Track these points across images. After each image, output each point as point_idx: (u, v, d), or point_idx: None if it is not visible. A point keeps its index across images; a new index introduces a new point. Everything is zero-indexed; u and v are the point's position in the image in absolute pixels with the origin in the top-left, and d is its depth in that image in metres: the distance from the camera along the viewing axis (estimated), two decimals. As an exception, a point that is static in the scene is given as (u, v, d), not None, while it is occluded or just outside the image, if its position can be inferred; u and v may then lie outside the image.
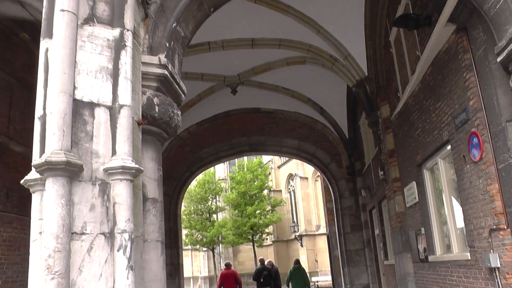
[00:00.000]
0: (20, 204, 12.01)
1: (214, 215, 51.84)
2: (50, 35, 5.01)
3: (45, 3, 5.28)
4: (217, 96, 17.58)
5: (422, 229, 10.04)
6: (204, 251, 53.09)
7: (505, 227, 6.34)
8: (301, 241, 47.32)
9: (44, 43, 5.05)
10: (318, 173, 27.96)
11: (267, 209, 47.60)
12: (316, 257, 47.10)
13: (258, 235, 47.01)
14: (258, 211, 46.02)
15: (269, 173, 53.57)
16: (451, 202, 8.76)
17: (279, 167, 56.28)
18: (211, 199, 50.71)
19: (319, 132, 19.52)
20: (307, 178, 50.09)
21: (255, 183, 46.56)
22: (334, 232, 20.15)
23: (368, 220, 17.68)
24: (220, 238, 48.20)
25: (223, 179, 55.84)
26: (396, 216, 11.81)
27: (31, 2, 6.71)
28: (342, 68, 13.15)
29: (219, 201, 52.30)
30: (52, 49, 4.80)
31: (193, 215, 48.65)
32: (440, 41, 7.76)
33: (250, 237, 46.32)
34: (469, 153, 7.17)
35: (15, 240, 11.71)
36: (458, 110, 7.45)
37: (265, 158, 51.31)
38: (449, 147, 8.22)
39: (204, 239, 47.65)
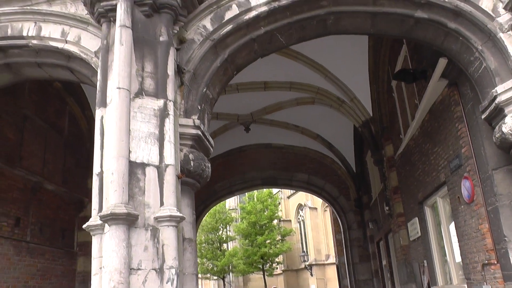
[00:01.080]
0: (52, 238, 13.05)
1: (225, 245, 52.58)
2: (104, 104, 6.08)
3: (99, 77, 6.37)
4: (231, 133, 18.60)
5: (425, 261, 10.92)
6: (214, 279, 53.71)
7: (495, 262, 7.23)
8: (311, 270, 47.91)
9: (99, 112, 6.13)
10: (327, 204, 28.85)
11: (277, 238, 48.36)
12: (326, 287, 47.58)
13: (268, 264, 47.70)
14: (268, 241, 46.77)
15: (279, 203, 54.40)
16: (450, 237, 9.67)
17: (288, 197, 57.16)
18: (221, 229, 51.52)
19: (328, 167, 20.49)
20: (316, 208, 50.89)
21: (265, 213, 47.42)
22: (343, 263, 20.99)
23: (375, 251, 18.51)
24: (230, 267, 48.90)
25: (233, 209, 56.75)
26: (401, 249, 12.69)
27: (80, 69, 7.76)
28: (348, 109, 14.18)
29: (229, 230, 53.13)
30: (107, 118, 5.85)
31: (204, 244, 49.43)
32: (435, 93, 8.78)
33: (260, 266, 47.00)
34: (462, 195, 8.11)
35: (47, 270, 12.72)
36: (453, 155, 8.42)
37: (275, 189, 52.18)
38: (446, 188, 9.16)
39: (215, 268, 48.36)
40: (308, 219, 51.41)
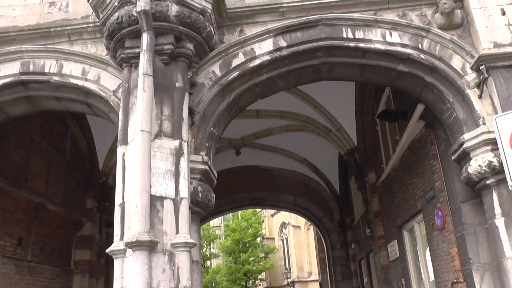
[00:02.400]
0: (51, 256, 13.66)
1: (208, 262, 53.09)
2: (125, 142, 7.01)
3: (120, 117, 7.29)
4: (222, 155, 19.40)
5: (403, 280, 11.95)
6: (198, 296, 53.99)
7: (462, 281, 8.30)
8: (293, 287, 48.62)
9: (121, 149, 7.07)
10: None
11: (261, 256, 49.04)
12: (308, 303, 48.36)
13: (251, 281, 48.28)
14: (251, 258, 47.43)
15: (263, 221, 55.13)
16: (425, 258, 10.77)
17: (272, 215, 57.90)
18: (205, 246, 52.06)
19: (314, 189, 21.45)
20: (299, 227, 51.79)
21: (249, 231, 48.15)
22: (326, 280, 21.93)
23: (357, 270, 19.50)
24: (214, 284, 49.41)
25: (217, 226, 57.37)
26: (381, 268, 13.73)
27: (98, 105, 8.67)
28: (335, 138, 15.20)
29: (213, 247, 53.72)
30: (129, 155, 6.80)
31: (187, 261, 49.71)
32: (414, 132, 9.82)
33: (243, 283, 47.57)
34: (436, 222, 9.17)
35: (46, 288, 13.36)
36: (428, 187, 9.47)
37: (259, 207, 52.97)
38: (422, 215, 10.23)
39: (199, 285, 48.70)
40: (291, 237, 52.29)
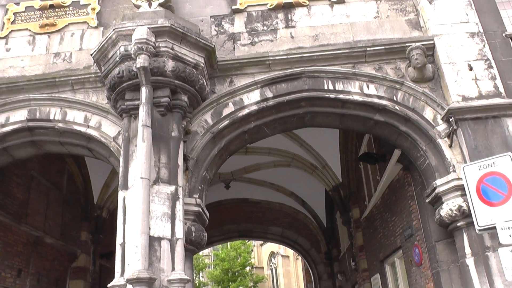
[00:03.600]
0: (48, 287, 14.21)
1: (198, 291, 53.24)
2: (126, 187, 7.68)
3: (121, 164, 7.97)
4: (211, 189, 19.88)
5: (385, 311, 12.58)
6: (187, 326, 53.93)
7: (436, 313, 8.95)
8: (282, 317, 48.94)
9: (121, 193, 7.74)
10: (299, 254, 30.33)
11: (250, 285, 49.28)
12: (296, 333, 48.56)
13: (241, 310, 48.53)
14: (240, 287, 47.71)
15: (252, 251, 55.49)
16: (404, 291, 11.39)
17: (261, 245, 58.31)
18: (195, 275, 52.23)
19: (301, 221, 22.08)
20: (288, 257, 52.29)
21: (238, 260, 48.47)
22: (314, 310, 22.44)
23: (344, 301, 20.03)
24: (203, 313, 49.60)
25: (207, 255, 57.55)
26: (366, 300, 14.33)
27: (98, 150, 9.36)
28: (320, 174, 15.92)
29: (202, 277, 53.91)
30: (129, 199, 7.45)
31: (176, 291, 49.85)
32: (392, 173, 10.57)
33: (233, 312, 47.80)
34: (414, 258, 9.84)
35: (44, 320, 13.87)
36: (406, 226, 10.18)
37: (248, 236, 53.32)
38: (401, 251, 10.88)
39: (188, 315, 48.79)
40: (280, 266, 52.75)
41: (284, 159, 16.90)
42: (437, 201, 8.41)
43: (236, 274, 48.41)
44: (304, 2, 10.00)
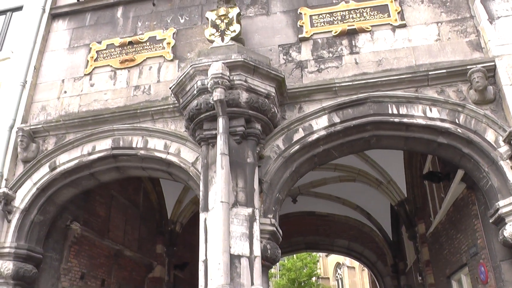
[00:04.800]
0: (127, 297, 15.31)
1: (264, 301, 53.78)
2: (206, 209, 8.41)
3: (201, 188, 8.71)
4: (279, 203, 20.72)
5: (454, 327, 12.78)
6: (254, 336, 54.65)
7: (503, 329, 9.18)
8: (349, 327, 48.92)
9: (203, 215, 8.45)
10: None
11: (316, 295, 49.69)
12: None
13: (307, 320, 48.89)
14: (307, 298, 48.17)
15: (318, 261, 55.80)
16: (473, 308, 11.57)
17: (327, 255, 58.47)
18: (261, 285, 52.87)
19: (367, 234, 22.37)
20: (354, 268, 52.29)
21: (304, 271, 48.93)
22: (381, 322, 22.61)
23: (412, 314, 20.14)
24: (270, 323, 50.14)
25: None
26: (434, 315, 14.53)
27: (178, 174, 10.18)
28: (385, 189, 16.28)
29: (269, 286, 54.52)
30: (210, 220, 8.17)
31: (243, 301, 50.67)
32: (457, 192, 10.87)
33: (299, 322, 48.22)
34: (479, 276, 10.09)
35: (125, 330, 14.92)
36: (471, 244, 10.44)
37: (314, 247, 53.61)
38: (467, 268, 11.11)
39: (255, 325, 49.48)
40: (346, 277, 52.80)
41: (350, 174, 17.35)
42: (500, 221, 8.63)
43: (302, 284, 48.87)
44: (367, 28, 10.48)
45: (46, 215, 11.32)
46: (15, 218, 10.84)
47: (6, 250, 10.51)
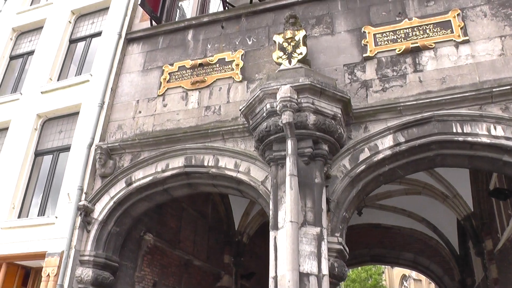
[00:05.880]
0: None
1: (329, 311, 53.63)
2: (276, 228, 8.80)
3: (271, 207, 9.10)
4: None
5: None
6: None
7: None
8: None
9: (272, 233, 8.85)
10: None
11: (382, 307, 49.19)
12: None
13: (371, 332, 48.47)
14: (372, 309, 47.76)
15: (383, 272, 55.19)
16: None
17: (392, 267, 57.79)
18: (325, 296, 52.77)
19: (433, 248, 22.11)
20: (420, 280, 51.53)
21: (369, 282, 48.56)
22: (449, 337, 22.29)
23: (480, 330, 19.81)
24: (334, 334, 49.88)
25: (337, 276, 57.95)
26: (502, 331, 14.34)
27: (247, 191, 10.66)
28: (452, 203, 16.18)
29: (333, 297, 54.35)
30: (279, 239, 8.55)
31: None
32: (526, 208, 10.83)
33: (363, 333, 47.87)
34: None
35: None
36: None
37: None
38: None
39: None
40: (412, 290, 52.02)
41: (415, 187, 17.32)
42: None
43: (368, 295, 48.53)
44: (430, 45, 10.60)
45: (122, 226, 12.09)
46: (94, 229, 11.76)
47: (86, 258, 11.48)
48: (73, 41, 15.86)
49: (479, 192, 15.04)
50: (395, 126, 9.86)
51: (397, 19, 11.22)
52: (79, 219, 11.66)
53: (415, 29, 10.95)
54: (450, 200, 16.09)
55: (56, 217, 12.06)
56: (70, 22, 16.00)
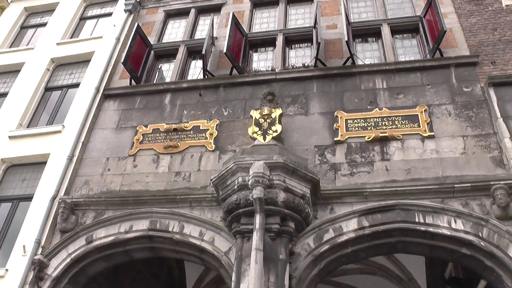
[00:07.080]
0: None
1: None
2: None
3: (234, 279, 9.19)
4: None
5: None
6: None
7: None
8: None
9: (234, 306, 8.81)
10: None
11: None
12: None
13: None
14: None
15: None
16: None
17: None
18: None
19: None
20: None
21: None
22: None
23: None
24: None
25: None
26: None
27: (210, 261, 10.67)
28: (406, 287, 16.35)
29: None
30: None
31: None
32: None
33: None
34: None
35: None
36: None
37: None
38: None
39: None
40: None
41: (370, 267, 17.50)
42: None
43: None
44: (398, 136, 11.11)
45: (76, 285, 11.69)
46: (45, 286, 11.21)
47: (33, 318, 10.89)
48: (48, 89, 15.76)
49: (435, 278, 15.28)
50: (360, 210, 10.15)
51: (369, 107, 11.76)
52: (31, 274, 11.19)
53: (384, 119, 11.50)
54: (405, 283, 16.28)
55: (7, 270, 11.51)
56: (48, 69, 15.96)
